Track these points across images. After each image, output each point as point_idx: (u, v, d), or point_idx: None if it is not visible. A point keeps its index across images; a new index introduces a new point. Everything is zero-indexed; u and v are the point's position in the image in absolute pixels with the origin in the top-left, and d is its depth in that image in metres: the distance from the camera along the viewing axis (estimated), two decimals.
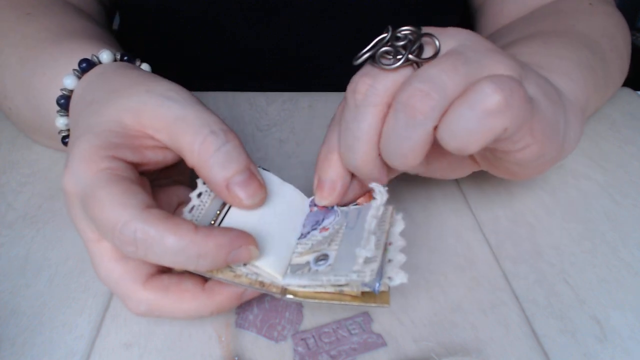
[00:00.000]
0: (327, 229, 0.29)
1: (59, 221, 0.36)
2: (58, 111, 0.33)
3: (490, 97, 0.23)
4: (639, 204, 0.39)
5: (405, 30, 0.26)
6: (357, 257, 0.25)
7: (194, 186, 0.29)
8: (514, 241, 0.35)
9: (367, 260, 0.25)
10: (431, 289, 0.32)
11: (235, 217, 0.28)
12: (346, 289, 0.26)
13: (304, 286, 0.27)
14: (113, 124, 0.27)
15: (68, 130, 0.33)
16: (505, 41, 0.43)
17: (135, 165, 0.27)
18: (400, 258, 0.26)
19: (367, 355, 0.28)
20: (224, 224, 0.27)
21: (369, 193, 0.30)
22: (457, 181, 0.41)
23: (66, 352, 0.28)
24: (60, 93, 0.33)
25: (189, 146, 0.26)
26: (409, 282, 0.27)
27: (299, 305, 0.30)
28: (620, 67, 0.44)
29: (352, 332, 0.29)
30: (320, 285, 0.26)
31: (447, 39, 0.26)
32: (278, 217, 0.29)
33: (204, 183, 0.29)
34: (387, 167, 0.28)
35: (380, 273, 0.26)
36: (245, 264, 0.26)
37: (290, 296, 0.27)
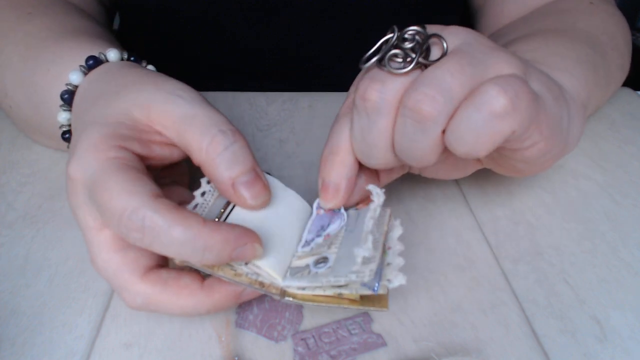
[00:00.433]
0: (329, 237, 0.29)
1: (59, 221, 0.36)
2: (61, 105, 0.33)
3: (496, 100, 0.23)
4: (639, 204, 0.39)
5: (412, 30, 0.26)
6: (355, 257, 0.25)
7: (192, 187, 0.29)
8: (514, 241, 0.35)
9: (366, 261, 0.25)
10: (431, 289, 0.32)
11: (238, 218, 0.28)
12: (345, 292, 0.26)
13: (303, 288, 0.27)
14: (122, 117, 0.27)
15: (69, 125, 0.34)
16: (506, 40, 0.43)
17: (142, 158, 0.27)
18: (399, 261, 0.26)
19: (367, 355, 0.28)
20: None
21: (368, 198, 0.31)
22: (457, 181, 0.41)
23: (66, 352, 0.28)
24: (64, 88, 0.33)
25: (197, 144, 0.27)
26: (408, 282, 0.28)
27: (299, 306, 0.30)
28: (621, 65, 0.44)
29: (352, 332, 0.29)
30: (320, 287, 0.26)
31: (452, 37, 0.26)
32: (280, 221, 0.29)
33: (208, 182, 0.29)
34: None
35: (379, 274, 0.26)
36: (246, 263, 0.26)
37: (289, 298, 0.27)
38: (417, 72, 0.25)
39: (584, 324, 0.30)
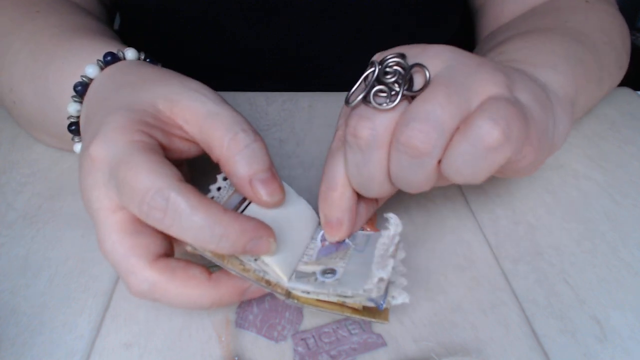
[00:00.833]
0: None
1: (59, 221, 0.36)
2: (73, 96, 0.33)
3: (489, 135, 0.24)
4: (639, 204, 0.39)
5: (392, 61, 0.26)
6: (372, 277, 0.26)
7: None
8: (514, 241, 0.35)
9: (379, 282, 0.26)
10: (431, 289, 0.32)
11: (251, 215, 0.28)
12: (349, 302, 0.26)
13: (308, 292, 0.27)
14: (148, 106, 0.28)
15: (77, 117, 0.34)
16: (498, 40, 0.43)
17: (162, 148, 0.28)
18: (402, 281, 0.27)
19: (367, 355, 0.28)
20: None
21: (370, 220, 0.32)
22: None
23: (66, 352, 0.28)
24: (79, 79, 0.33)
25: (219, 140, 0.27)
26: (409, 282, 0.28)
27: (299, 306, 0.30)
28: (616, 60, 0.44)
29: (352, 332, 0.29)
30: (325, 294, 0.27)
31: (433, 61, 0.26)
32: (290, 225, 0.29)
33: (224, 179, 0.29)
34: None
35: (386, 292, 0.26)
36: (256, 259, 0.27)
37: (294, 300, 0.27)
38: (404, 103, 0.26)
39: (584, 324, 0.30)
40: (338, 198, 0.29)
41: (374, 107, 0.26)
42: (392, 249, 0.28)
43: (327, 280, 0.27)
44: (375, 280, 0.25)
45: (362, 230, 0.31)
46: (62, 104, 0.34)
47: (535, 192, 0.40)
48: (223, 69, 0.56)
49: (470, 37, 0.57)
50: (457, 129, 0.25)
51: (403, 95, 0.25)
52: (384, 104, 0.25)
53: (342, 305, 0.27)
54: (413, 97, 0.26)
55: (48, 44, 0.37)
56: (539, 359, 0.28)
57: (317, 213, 0.31)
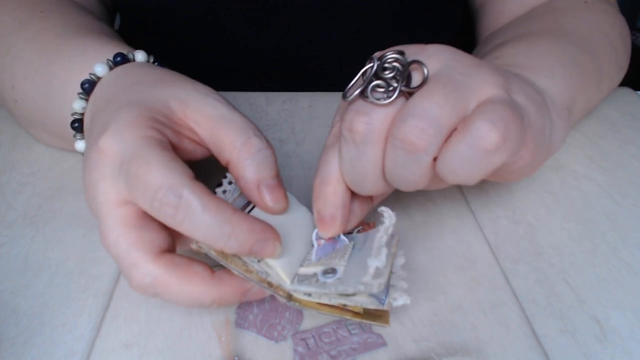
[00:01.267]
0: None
1: (59, 221, 0.36)
2: (79, 93, 0.33)
3: (488, 137, 0.24)
4: (639, 204, 0.39)
5: (391, 58, 0.26)
6: (368, 268, 0.25)
7: None
8: (514, 241, 0.35)
9: (377, 274, 0.26)
10: (431, 289, 0.32)
11: None
12: (350, 305, 0.26)
13: (310, 294, 0.27)
14: (160, 104, 0.29)
15: (81, 115, 0.34)
16: (495, 43, 0.43)
17: (172, 146, 0.28)
18: (403, 284, 0.27)
19: (367, 355, 0.28)
20: None
21: (365, 222, 0.32)
22: None
23: (66, 352, 0.28)
24: (87, 77, 0.33)
25: (231, 143, 0.28)
26: (409, 282, 0.28)
27: None
28: (616, 61, 0.44)
29: (352, 332, 0.29)
30: (326, 294, 0.27)
31: (432, 60, 0.26)
32: (292, 230, 0.29)
33: (230, 183, 0.30)
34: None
35: (386, 289, 0.26)
36: (259, 261, 0.27)
37: (295, 303, 0.27)
38: (401, 99, 0.26)
39: (584, 324, 0.30)
40: (331, 193, 0.29)
41: (371, 102, 0.26)
42: (384, 238, 0.27)
43: (329, 281, 0.27)
44: (372, 270, 0.25)
45: (362, 232, 0.31)
46: (65, 102, 0.34)
47: (535, 192, 0.40)
48: (223, 69, 0.56)
49: (470, 37, 0.57)
50: (455, 129, 0.25)
51: (400, 91, 0.25)
52: (381, 99, 0.25)
53: (342, 308, 0.27)
54: (410, 94, 0.26)
55: (52, 43, 0.37)
56: (539, 359, 0.28)
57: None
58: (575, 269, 0.33)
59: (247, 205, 0.29)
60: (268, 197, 0.28)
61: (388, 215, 0.28)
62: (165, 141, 0.27)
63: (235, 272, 0.26)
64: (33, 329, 0.29)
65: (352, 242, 0.30)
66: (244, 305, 0.30)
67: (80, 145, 0.34)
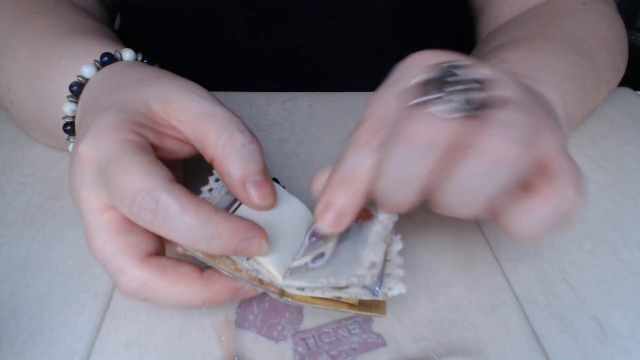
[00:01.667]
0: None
1: (59, 221, 0.36)
2: (68, 96, 0.33)
3: (572, 204, 0.24)
4: (639, 204, 0.39)
5: (460, 71, 0.25)
6: (363, 260, 0.25)
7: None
8: (514, 241, 0.35)
9: (371, 267, 0.25)
10: (431, 289, 0.32)
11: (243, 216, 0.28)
12: (344, 297, 0.26)
13: (303, 289, 0.27)
14: (140, 106, 0.28)
15: (72, 117, 0.34)
16: (496, 44, 0.43)
17: (154, 148, 0.28)
18: (399, 272, 0.27)
19: (367, 355, 0.28)
20: None
21: (364, 212, 0.30)
22: None
23: (66, 352, 0.28)
24: (74, 79, 0.33)
25: (214, 139, 0.27)
26: (409, 282, 0.28)
27: (299, 306, 0.30)
28: (613, 64, 0.44)
29: (352, 332, 0.29)
30: (319, 288, 0.26)
31: (500, 88, 0.25)
32: (283, 224, 0.29)
33: (216, 180, 0.29)
34: None
35: (380, 279, 0.26)
36: (248, 259, 0.27)
37: (288, 299, 0.27)
38: (466, 116, 0.24)
39: (584, 324, 0.30)
40: (353, 190, 0.26)
41: (438, 113, 0.24)
42: (385, 234, 0.27)
43: (318, 265, 0.26)
44: (367, 264, 0.25)
45: (357, 222, 0.30)
46: (58, 104, 0.34)
47: None
48: (223, 69, 0.56)
49: (470, 37, 0.57)
50: (531, 182, 0.24)
51: (468, 108, 0.24)
52: (448, 113, 0.24)
53: (337, 301, 0.26)
54: (476, 111, 0.24)
55: (46, 45, 0.37)
56: (539, 359, 0.28)
57: (311, 211, 0.30)
58: (575, 269, 0.33)
59: (234, 202, 0.29)
60: (254, 194, 0.27)
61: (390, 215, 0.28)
62: (145, 144, 0.27)
63: (225, 273, 0.26)
64: (33, 329, 0.29)
65: (345, 235, 0.29)
66: (244, 305, 0.30)
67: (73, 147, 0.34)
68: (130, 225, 0.26)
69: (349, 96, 0.50)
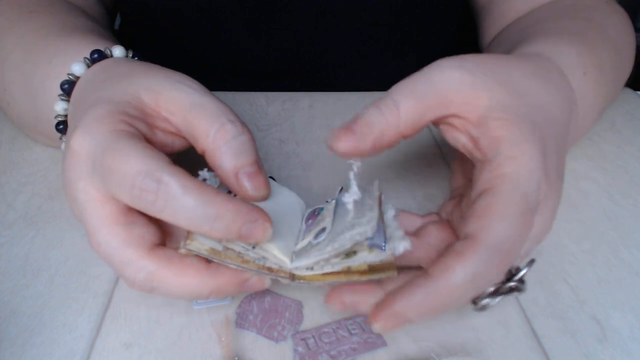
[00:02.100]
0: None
1: (59, 221, 0.36)
2: (60, 95, 0.33)
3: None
4: (639, 204, 0.39)
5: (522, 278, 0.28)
6: (360, 221, 0.25)
7: None
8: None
9: (369, 220, 0.25)
10: None
11: None
12: (353, 265, 0.26)
13: (312, 267, 0.26)
14: (131, 98, 0.28)
15: (65, 116, 0.34)
16: (530, 31, 0.41)
17: (146, 141, 0.27)
18: (399, 232, 0.26)
19: (367, 355, 0.28)
20: None
21: None
22: None
23: (66, 352, 0.28)
24: (65, 78, 0.33)
25: (204, 131, 0.27)
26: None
27: (299, 305, 0.30)
28: (627, 66, 0.44)
29: (352, 332, 0.29)
30: (327, 261, 0.26)
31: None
32: (280, 212, 0.29)
33: (209, 171, 0.29)
34: None
35: (382, 232, 0.26)
36: (253, 247, 0.26)
37: (300, 281, 0.26)
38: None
39: (584, 324, 0.30)
40: (396, 115, 0.26)
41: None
42: (375, 196, 0.27)
43: (320, 239, 0.26)
44: (364, 220, 0.25)
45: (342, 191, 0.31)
46: (50, 101, 0.34)
47: None
48: (223, 69, 0.56)
49: (470, 37, 0.57)
50: None
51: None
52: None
53: (347, 272, 0.26)
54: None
55: (38, 45, 0.37)
56: (538, 359, 0.28)
57: (303, 200, 0.31)
58: (575, 269, 0.33)
59: (228, 194, 0.28)
60: (248, 185, 0.27)
61: (377, 185, 0.28)
62: (137, 133, 0.26)
63: (233, 267, 0.26)
64: (33, 329, 0.29)
65: (333, 200, 0.29)
66: (244, 305, 0.30)
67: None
68: (132, 217, 0.26)
69: (349, 96, 0.51)
